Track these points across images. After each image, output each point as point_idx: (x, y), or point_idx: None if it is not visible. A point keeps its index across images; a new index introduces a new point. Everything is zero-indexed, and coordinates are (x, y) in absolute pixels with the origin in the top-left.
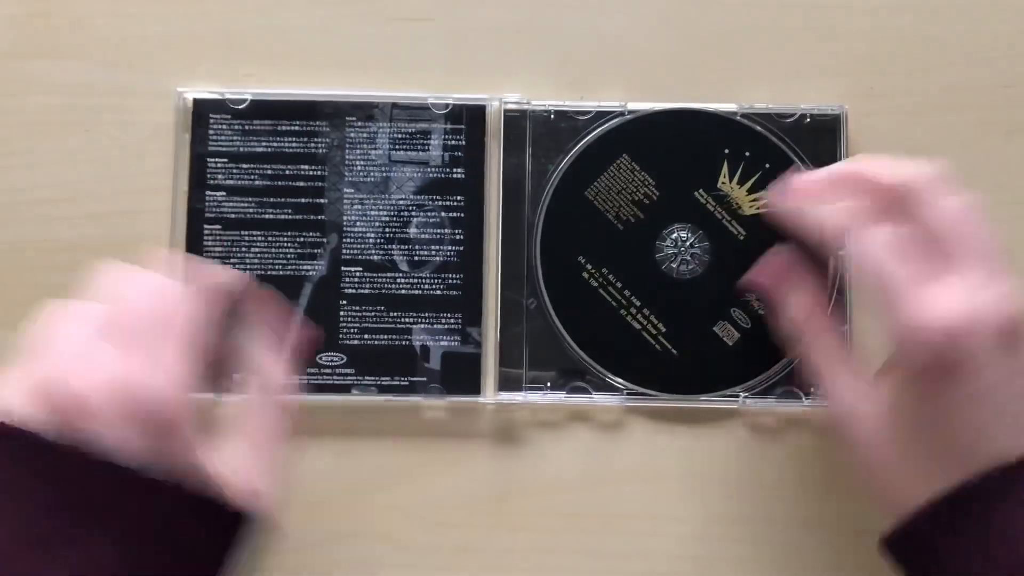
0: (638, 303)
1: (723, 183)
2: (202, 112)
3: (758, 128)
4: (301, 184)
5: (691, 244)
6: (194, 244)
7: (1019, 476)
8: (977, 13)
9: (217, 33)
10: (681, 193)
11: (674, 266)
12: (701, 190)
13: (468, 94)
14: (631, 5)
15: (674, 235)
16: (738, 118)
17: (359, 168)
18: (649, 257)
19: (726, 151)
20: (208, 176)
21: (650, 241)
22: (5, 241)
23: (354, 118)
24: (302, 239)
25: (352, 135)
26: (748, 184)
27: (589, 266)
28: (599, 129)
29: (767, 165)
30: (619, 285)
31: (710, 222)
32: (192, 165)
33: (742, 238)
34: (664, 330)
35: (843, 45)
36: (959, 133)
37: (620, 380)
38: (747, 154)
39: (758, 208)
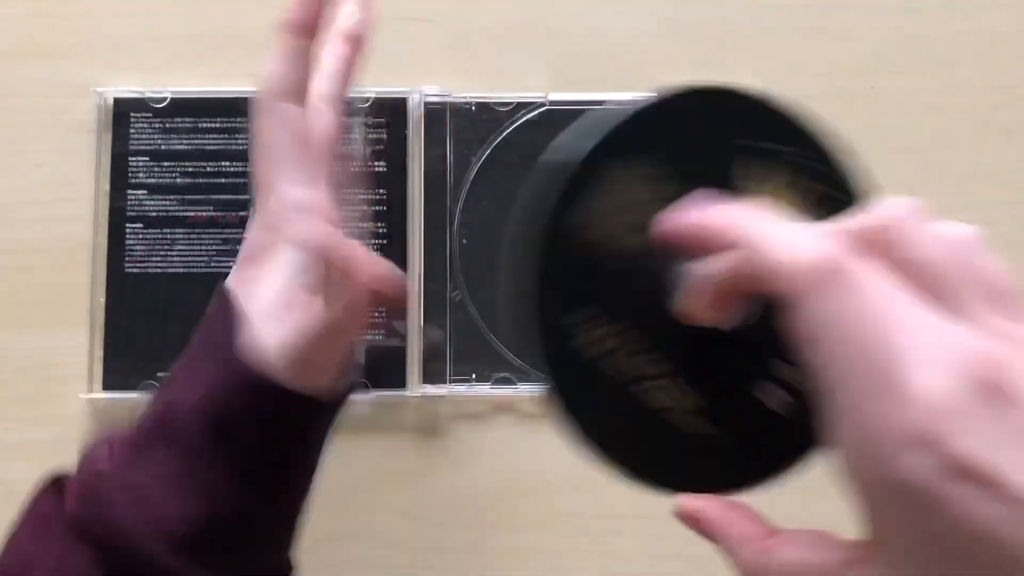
0: None
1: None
2: (122, 111)
3: None
4: (223, 181)
5: None
6: (116, 243)
7: None
8: (977, 13)
9: (138, 32)
10: None
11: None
12: None
13: (389, 87)
14: None
15: None
16: None
17: None
18: None
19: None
20: (129, 175)
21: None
22: None
23: None
24: (224, 236)
25: None
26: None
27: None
28: (520, 120)
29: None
30: None
31: None
32: (113, 164)
33: None
34: None
35: (843, 45)
36: (959, 133)
37: None
38: None
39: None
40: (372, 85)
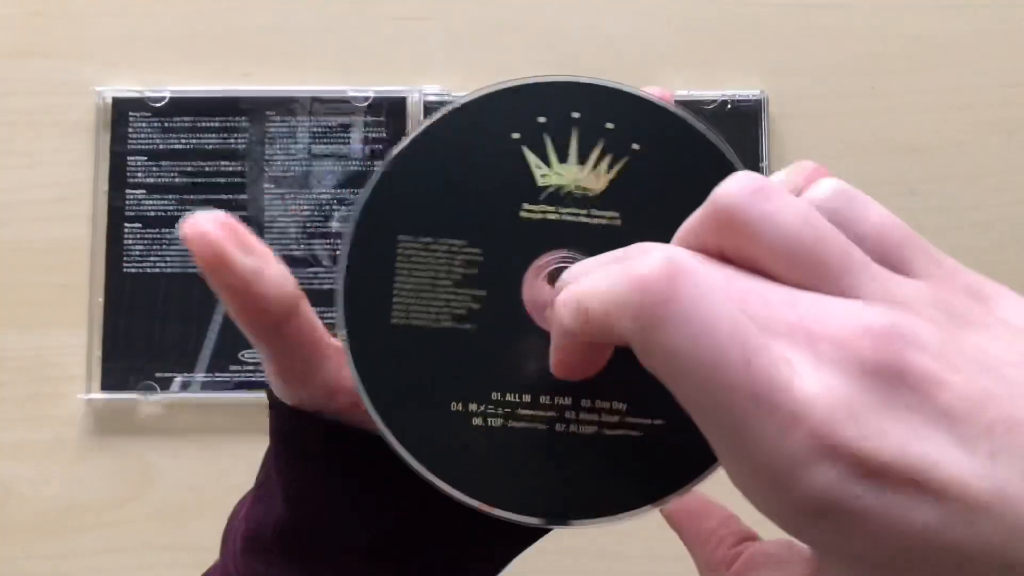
0: None
1: (545, 174)
2: (121, 110)
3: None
4: (221, 180)
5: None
6: (115, 243)
7: None
8: (978, 13)
9: (137, 32)
10: None
11: None
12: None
13: (389, 86)
14: None
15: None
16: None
17: (279, 163)
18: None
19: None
20: (128, 174)
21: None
22: None
23: (274, 113)
24: None
25: (272, 130)
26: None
27: None
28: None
29: (608, 125)
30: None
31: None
32: (112, 164)
33: (619, 223)
34: None
35: (843, 45)
36: (959, 133)
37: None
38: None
39: (610, 171)
40: (372, 85)
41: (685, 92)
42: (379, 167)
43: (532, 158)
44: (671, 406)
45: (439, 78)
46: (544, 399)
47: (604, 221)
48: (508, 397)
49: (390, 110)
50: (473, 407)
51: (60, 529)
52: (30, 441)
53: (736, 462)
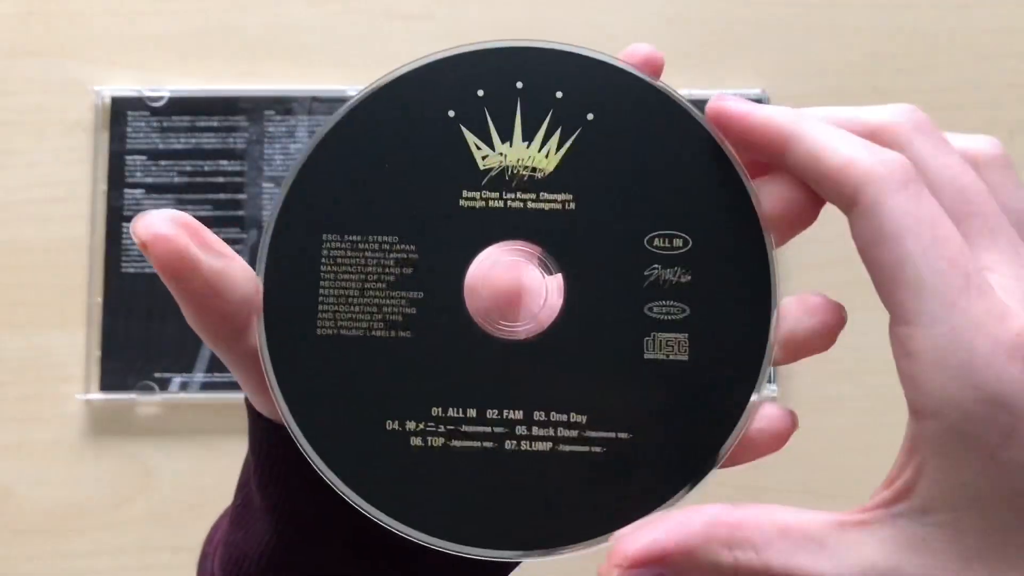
0: None
1: (486, 156)
2: (120, 110)
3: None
4: (220, 180)
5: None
6: (113, 243)
7: None
8: (978, 12)
9: (135, 31)
10: None
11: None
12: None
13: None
14: None
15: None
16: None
17: (279, 162)
18: None
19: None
20: (126, 174)
21: None
22: None
23: (273, 112)
24: (222, 235)
25: (271, 129)
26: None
27: None
28: None
29: (558, 94)
30: None
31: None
32: (110, 163)
33: (573, 206)
34: None
35: (843, 45)
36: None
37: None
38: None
39: (560, 149)
40: (372, 84)
41: (685, 92)
42: (297, 157)
43: (471, 138)
44: (638, 418)
45: None
46: (492, 413)
47: (556, 205)
48: (450, 412)
49: None
50: (411, 425)
51: (58, 529)
52: (28, 441)
53: (936, 332)
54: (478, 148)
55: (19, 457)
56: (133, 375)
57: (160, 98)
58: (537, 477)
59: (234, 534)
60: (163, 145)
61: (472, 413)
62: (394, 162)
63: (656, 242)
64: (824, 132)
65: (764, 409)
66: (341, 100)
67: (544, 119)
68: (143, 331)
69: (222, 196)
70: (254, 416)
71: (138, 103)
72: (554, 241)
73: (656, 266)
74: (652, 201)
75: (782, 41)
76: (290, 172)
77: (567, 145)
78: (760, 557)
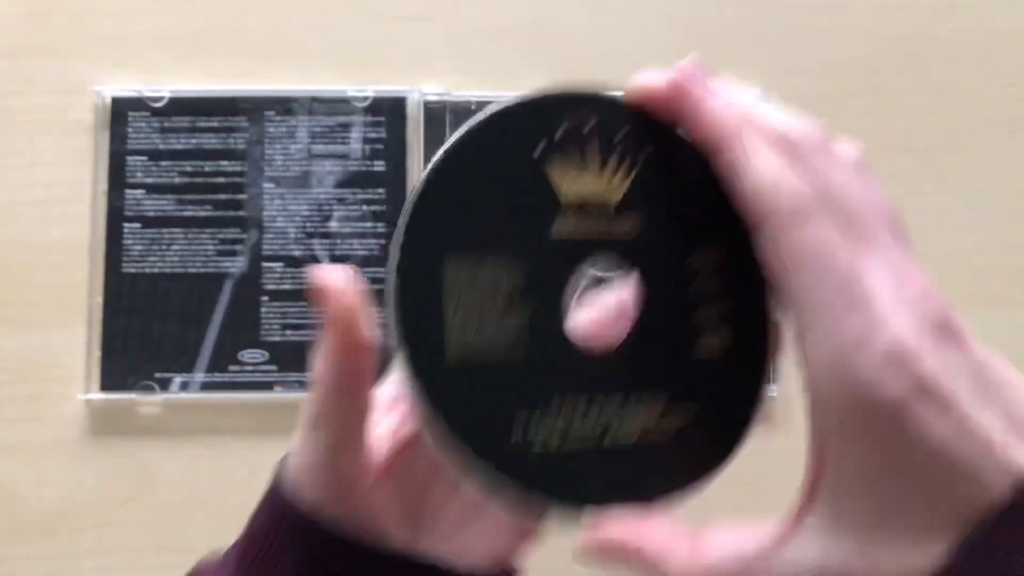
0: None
1: (568, 189)
2: (120, 110)
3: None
4: (221, 180)
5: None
6: (114, 243)
7: None
8: (978, 13)
9: (136, 31)
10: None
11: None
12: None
13: (389, 86)
14: None
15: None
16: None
17: (279, 163)
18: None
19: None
20: (127, 174)
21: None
22: None
23: (273, 112)
24: (222, 236)
25: (271, 130)
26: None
27: None
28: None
29: (623, 132)
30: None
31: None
32: (111, 163)
33: (639, 231)
34: None
35: (843, 45)
36: (959, 133)
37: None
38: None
39: (627, 178)
40: (372, 84)
41: None
42: (410, 196)
43: (554, 173)
44: (701, 400)
45: (439, 78)
46: (593, 412)
47: (623, 232)
48: (560, 420)
49: (390, 110)
50: (531, 431)
51: (59, 529)
52: (29, 441)
53: (825, 346)
54: (560, 181)
55: (19, 456)
56: (133, 375)
57: (161, 98)
58: (628, 460)
59: None
60: (164, 145)
61: (578, 416)
62: (492, 197)
63: (699, 258)
64: (752, 151)
65: None
66: (341, 100)
67: (612, 153)
68: (144, 331)
69: (222, 196)
70: (283, 489)
71: (139, 103)
72: (627, 261)
73: (699, 279)
74: (697, 219)
75: (782, 41)
76: (405, 209)
77: (631, 176)
78: None
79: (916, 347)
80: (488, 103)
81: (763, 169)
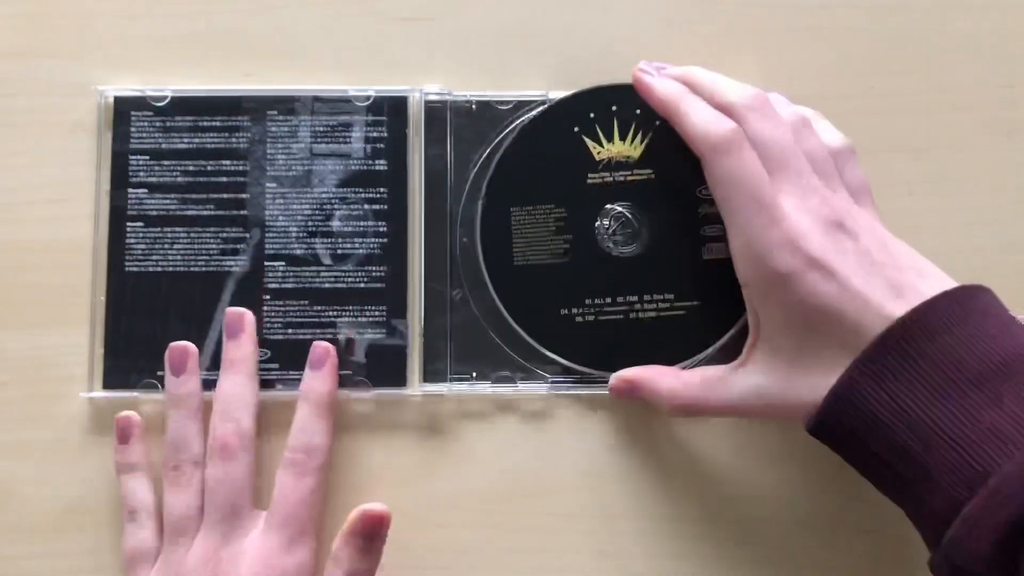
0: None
1: (599, 151)
2: (123, 110)
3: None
4: (223, 180)
5: (614, 230)
6: (116, 242)
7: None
8: (977, 13)
9: (138, 30)
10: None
11: (610, 245)
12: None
13: (389, 86)
14: None
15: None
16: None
17: (281, 162)
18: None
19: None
20: (130, 174)
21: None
22: None
23: (275, 112)
24: (224, 235)
25: (273, 129)
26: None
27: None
28: (522, 119)
29: (638, 111)
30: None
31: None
32: (113, 163)
33: (653, 177)
34: (597, 315)
35: (843, 45)
36: (959, 133)
37: (550, 362)
38: (614, 108)
39: (642, 143)
40: (372, 84)
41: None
42: (492, 165)
43: (589, 142)
44: (703, 294)
45: (440, 78)
46: (620, 299)
47: (643, 177)
48: (596, 300)
49: (391, 109)
50: (575, 310)
51: (61, 529)
52: (31, 440)
53: (742, 240)
54: (594, 147)
55: (21, 456)
56: (137, 374)
57: (163, 98)
58: (648, 332)
59: None
60: (166, 145)
61: (608, 300)
62: (546, 160)
63: (703, 192)
64: (691, 108)
65: None
66: (343, 100)
67: (631, 126)
68: (146, 330)
69: (225, 196)
70: None
71: (141, 103)
72: (644, 198)
73: (704, 205)
74: (695, 168)
75: (782, 41)
76: (487, 174)
77: (646, 141)
78: (687, 393)
79: (807, 233)
80: (488, 102)
81: (696, 119)
